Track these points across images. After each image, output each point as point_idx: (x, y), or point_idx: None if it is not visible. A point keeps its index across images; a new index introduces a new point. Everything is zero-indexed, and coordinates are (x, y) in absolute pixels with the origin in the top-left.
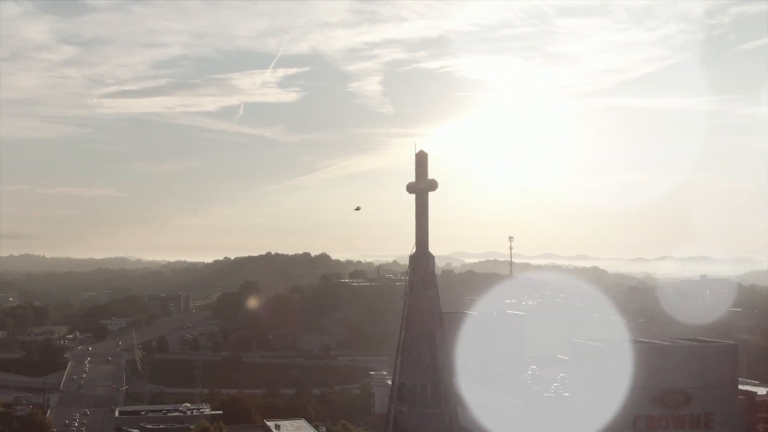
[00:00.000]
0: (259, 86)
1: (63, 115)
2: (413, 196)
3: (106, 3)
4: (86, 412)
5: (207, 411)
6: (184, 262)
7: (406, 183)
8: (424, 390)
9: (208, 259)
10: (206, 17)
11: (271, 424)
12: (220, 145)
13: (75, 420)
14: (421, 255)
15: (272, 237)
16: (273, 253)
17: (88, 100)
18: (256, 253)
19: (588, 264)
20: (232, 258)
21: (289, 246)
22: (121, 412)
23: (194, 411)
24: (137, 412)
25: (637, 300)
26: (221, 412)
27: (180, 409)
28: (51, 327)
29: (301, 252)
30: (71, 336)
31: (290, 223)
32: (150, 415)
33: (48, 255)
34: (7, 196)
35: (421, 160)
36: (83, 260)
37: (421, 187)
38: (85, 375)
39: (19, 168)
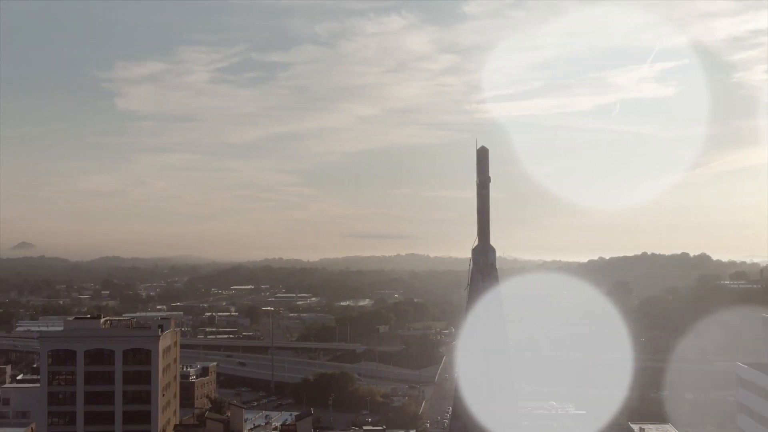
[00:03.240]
0: (636, 82)
1: (444, 121)
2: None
3: (484, 10)
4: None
5: (572, 410)
6: (559, 261)
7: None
8: (480, 379)
9: (583, 259)
10: (581, 16)
11: (635, 426)
12: (595, 143)
13: (447, 413)
14: (482, 248)
15: (649, 236)
16: (649, 253)
17: (466, 106)
18: (631, 253)
19: None
20: (607, 258)
21: (667, 246)
22: None
23: (559, 409)
24: None
25: None
26: (584, 411)
27: (545, 407)
28: (429, 322)
29: (679, 252)
30: (447, 331)
31: (669, 222)
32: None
33: (431, 254)
34: (394, 199)
35: (482, 155)
36: (463, 259)
37: (481, 180)
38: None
39: (405, 173)
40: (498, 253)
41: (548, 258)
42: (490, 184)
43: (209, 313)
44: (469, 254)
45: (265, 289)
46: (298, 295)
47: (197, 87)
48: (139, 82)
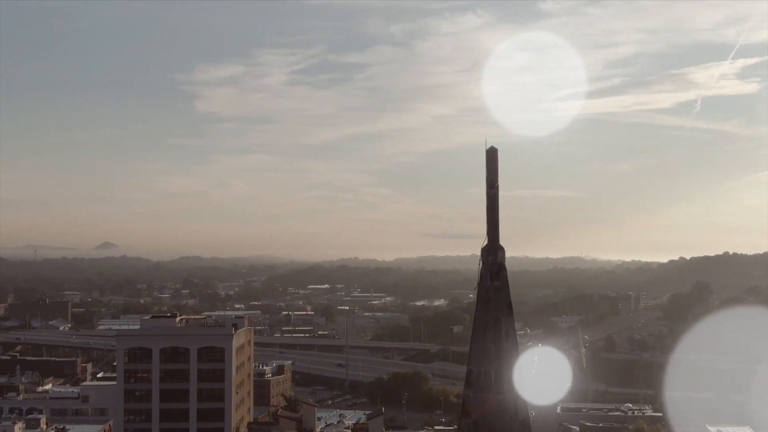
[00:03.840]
0: (717, 79)
1: (520, 120)
2: None
3: (561, 7)
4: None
5: (648, 412)
6: (638, 261)
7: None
8: (488, 376)
9: (663, 259)
10: (661, 13)
11: (713, 429)
12: (676, 141)
13: None
14: (491, 247)
15: (731, 236)
16: (731, 253)
17: (543, 104)
18: (712, 253)
19: None
20: (688, 258)
21: (750, 245)
22: (563, 409)
23: (635, 411)
24: (579, 409)
25: None
26: (661, 414)
27: (621, 408)
28: None
29: (761, 252)
30: (522, 332)
31: (751, 221)
32: (591, 412)
33: (507, 254)
34: (470, 199)
35: (491, 156)
36: (539, 259)
37: (490, 181)
38: (533, 370)
39: (480, 172)
40: (576, 254)
41: (627, 258)
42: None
43: (286, 312)
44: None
45: (341, 288)
46: (373, 295)
47: (275, 89)
48: (219, 85)
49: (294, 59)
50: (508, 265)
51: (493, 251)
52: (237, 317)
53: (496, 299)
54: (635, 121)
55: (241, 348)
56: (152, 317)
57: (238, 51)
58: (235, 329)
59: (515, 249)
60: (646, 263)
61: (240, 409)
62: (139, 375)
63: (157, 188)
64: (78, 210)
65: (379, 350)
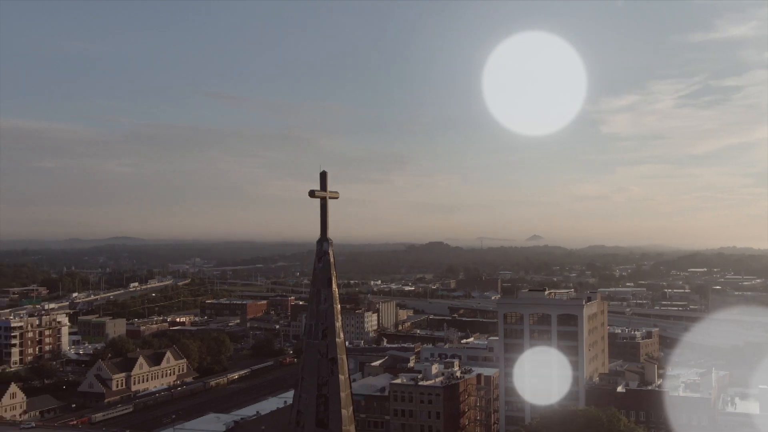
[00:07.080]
0: None
1: None
2: None
3: None
4: None
5: None
6: None
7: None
8: (310, 328)
9: None
10: None
11: None
12: None
13: None
14: (320, 240)
15: None
16: None
17: None
18: None
19: None
20: None
21: None
22: None
23: None
24: None
25: None
26: None
27: None
28: None
29: None
30: None
31: None
32: None
33: None
34: None
35: (323, 177)
36: None
37: (323, 196)
38: None
39: None
40: None
41: None
42: None
43: (665, 290)
44: None
45: (717, 272)
46: (745, 277)
47: (665, 112)
48: (619, 112)
49: (680, 87)
50: None
51: (320, 243)
52: (591, 292)
53: (320, 275)
54: None
55: (593, 316)
56: (529, 291)
57: (634, 84)
58: (588, 301)
59: None
60: None
61: (594, 362)
62: (513, 334)
63: (573, 193)
64: (515, 211)
65: (742, 323)
